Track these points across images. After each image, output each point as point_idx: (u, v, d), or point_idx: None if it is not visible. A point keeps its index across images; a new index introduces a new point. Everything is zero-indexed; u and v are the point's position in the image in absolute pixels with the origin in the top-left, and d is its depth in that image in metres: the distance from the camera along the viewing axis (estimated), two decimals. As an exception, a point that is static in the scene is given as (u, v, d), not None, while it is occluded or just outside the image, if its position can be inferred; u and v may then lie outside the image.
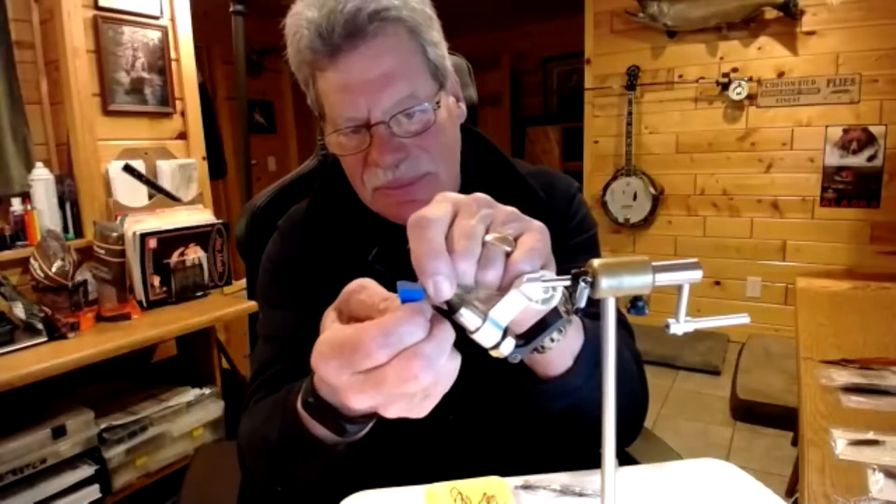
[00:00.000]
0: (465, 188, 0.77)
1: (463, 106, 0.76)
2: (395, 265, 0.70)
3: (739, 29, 3.16)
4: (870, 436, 0.84)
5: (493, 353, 0.46)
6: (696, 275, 0.41)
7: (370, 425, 0.54)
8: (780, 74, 3.12)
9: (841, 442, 0.83)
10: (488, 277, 0.41)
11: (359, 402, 0.41)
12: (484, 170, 0.79)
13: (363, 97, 0.63)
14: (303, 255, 0.76)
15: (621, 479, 0.46)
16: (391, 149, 0.64)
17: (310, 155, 1.04)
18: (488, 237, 0.42)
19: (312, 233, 0.77)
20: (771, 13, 3.06)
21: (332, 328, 0.44)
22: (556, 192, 0.80)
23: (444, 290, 0.39)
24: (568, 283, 0.42)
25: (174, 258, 2.00)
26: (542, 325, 0.49)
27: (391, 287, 0.63)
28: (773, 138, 3.20)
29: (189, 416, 1.91)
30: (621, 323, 0.82)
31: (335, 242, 0.75)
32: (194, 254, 2.06)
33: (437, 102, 0.67)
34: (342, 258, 0.73)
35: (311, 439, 0.55)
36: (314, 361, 0.43)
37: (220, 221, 2.15)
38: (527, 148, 5.36)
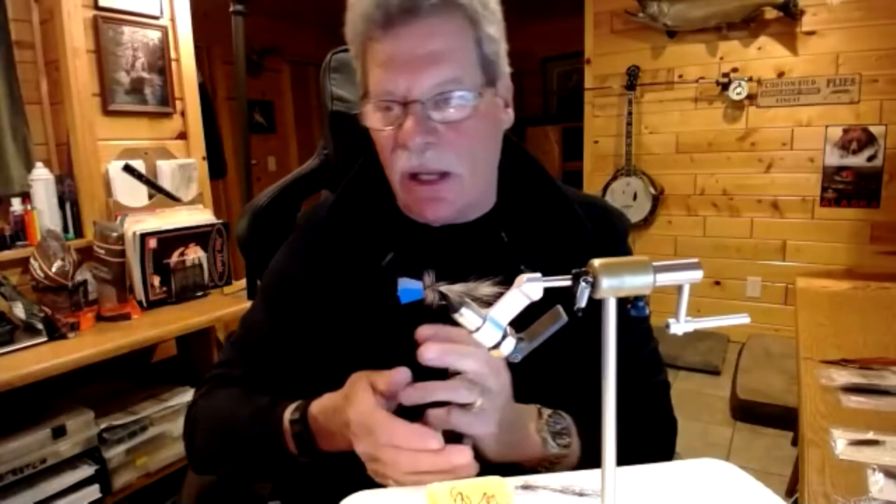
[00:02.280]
0: (503, 205, 0.76)
1: (511, 113, 0.74)
2: (407, 272, 0.70)
3: (739, 29, 3.16)
4: (870, 436, 0.84)
5: (494, 353, 0.46)
6: (697, 275, 0.42)
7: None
8: (780, 74, 3.12)
9: (841, 442, 0.83)
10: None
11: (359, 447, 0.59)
12: (526, 189, 0.77)
13: (406, 73, 0.62)
14: (316, 262, 0.76)
15: (621, 479, 0.46)
16: (422, 130, 0.63)
17: (310, 155, 1.04)
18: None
19: (331, 233, 0.76)
20: (771, 13, 3.06)
21: (365, 406, 0.59)
22: (615, 228, 0.80)
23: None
24: (569, 283, 0.42)
25: (174, 258, 2.00)
26: (543, 325, 0.49)
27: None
28: (773, 138, 3.20)
29: (189, 416, 1.91)
30: (654, 382, 0.82)
31: (353, 244, 0.74)
32: (194, 254, 2.06)
33: (480, 95, 0.66)
34: (357, 263, 0.73)
35: (278, 441, 0.67)
36: (350, 417, 0.59)
37: (220, 221, 2.15)
38: (527, 148, 5.35)
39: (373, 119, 0.66)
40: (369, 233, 0.74)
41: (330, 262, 0.74)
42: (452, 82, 0.63)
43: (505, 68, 0.71)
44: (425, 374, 0.64)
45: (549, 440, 0.65)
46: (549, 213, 0.75)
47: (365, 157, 0.79)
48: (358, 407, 0.60)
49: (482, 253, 0.73)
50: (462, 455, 0.55)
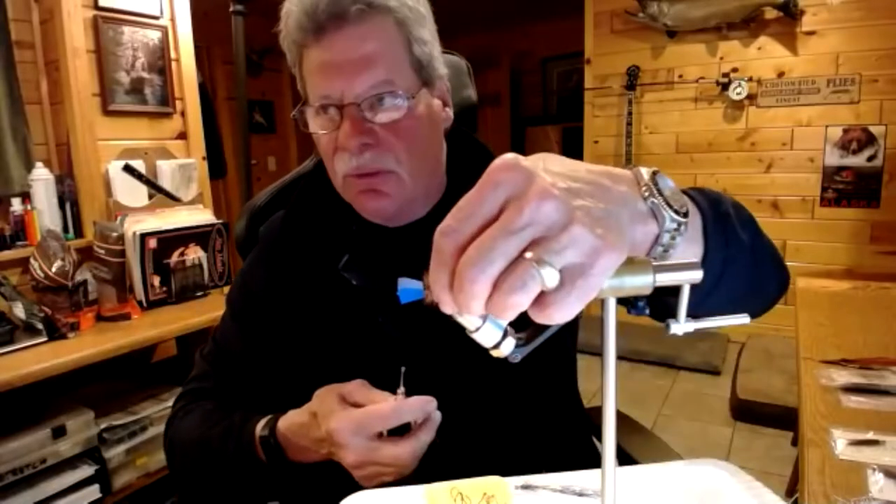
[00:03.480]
0: (452, 195, 0.76)
1: (450, 112, 0.75)
2: (364, 273, 0.71)
3: (739, 29, 3.16)
4: (870, 436, 0.83)
5: (494, 353, 0.46)
6: (697, 275, 0.41)
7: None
8: (780, 74, 3.12)
9: (841, 442, 0.83)
10: (501, 310, 0.33)
11: (347, 458, 0.60)
12: (473, 175, 0.77)
13: (340, 77, 0.64)
14: (275, 274, 0.78)
15: (621, 479, 0.46)
16: (359, 132, 0.65)
17: (310, 155, 1.04)
18: (527, 255, 0.32)
19: (287, 244, 0.78)
20: (771, 13, 3.06)
21: (348, 410, 0.62)
22: None
23: (446, 308, 0.36)
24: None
25: (174, 258, 2.00)
26: (543, 325, 0.48)
27: (359, 296, 0.71)
28: (773, 138, 3.20)
29: (189, 416, 1.91)
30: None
31: (308, 252, 0.76)
32: (194, 254, 2.06)
33: (414, 96, 0.67)
34: (314, 269, 0.75)
35: (252, 456, 0.70)
36: (333, 428, 0.60)
37: (220, 221, 2.15)
38: (527, 148, 5.36)
39: (313, 123, 0.68)
40: (324, 237, 0.76)
41: (289, 272, 0.76)
42: (385, 84, 0.65)
43: (441, 70, 0.72)
44: (386, 373, 0.65)
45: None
46: None
47: (315, 165, 0.81)
48: (339, 416, 0.61)
49: None
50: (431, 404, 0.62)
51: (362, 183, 0.68)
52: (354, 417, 0.61)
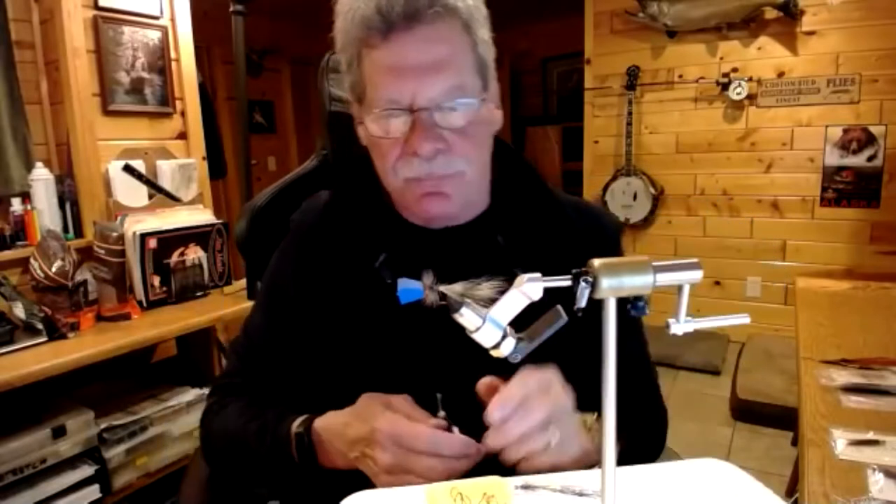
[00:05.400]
0: (497, 207, 0.76)
1: (500, 114, 0.74)
2: (399, 273, 0.71)
3: (739, 29, 3.16)
4: (870, 436, 0.84)
5: (494, 353, 0.46)
6: (697, 275, 0.42)
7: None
8: (780, 74, 3.12)
9: (841, 442, 0.83)
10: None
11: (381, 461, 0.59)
12: (519, 193, 0.77)
13: (412, 81, 0.62)
14: (309, 265, 0.76)
15: (621, 479, 0.46)
16: (432, 138, 0.63)
17: (310, 155, 1.04)
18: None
19: (324, 235, 0.76)
20: (771, 13, 3.06)
21: (398, 416, 0.61)
22: (608, 236, 0.81)
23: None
24: (569, 283, 0.41)
25: (174, 258, 2.00)
26: (542, 326, 0.49)
27: (391, 295, 0.70)
28: (773, 138, 3.20)
29: (189, 416, 1.91)
30: (642, 365, 0.84)
31: (345, 246, 0.75)
32: (194, 254, 2.06)
33: (483, 99, 0.67)
34: (350, 265, 0.74)
35: (285, 452, 0.69)
36: (379, 426, 0.60)
37: (220, 221, 2.15)
38: (527, 148, 5.36)
39: (376, 127, 0.66)
40: (362, 234, 0.74)
41: (323, 265, 0.75)
42: (457, 89, 0.64)
43: (493, 69, 0.71)
44: (425, 377, 0.64)
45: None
46: (542, 219, 0.75)
47: (357, 158, 0.78)
48: (388, 418, 0.61)
49: (476, 255, 0.72)
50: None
51: (428, 185, 0.67)
52: (400, 427, 0.60)
